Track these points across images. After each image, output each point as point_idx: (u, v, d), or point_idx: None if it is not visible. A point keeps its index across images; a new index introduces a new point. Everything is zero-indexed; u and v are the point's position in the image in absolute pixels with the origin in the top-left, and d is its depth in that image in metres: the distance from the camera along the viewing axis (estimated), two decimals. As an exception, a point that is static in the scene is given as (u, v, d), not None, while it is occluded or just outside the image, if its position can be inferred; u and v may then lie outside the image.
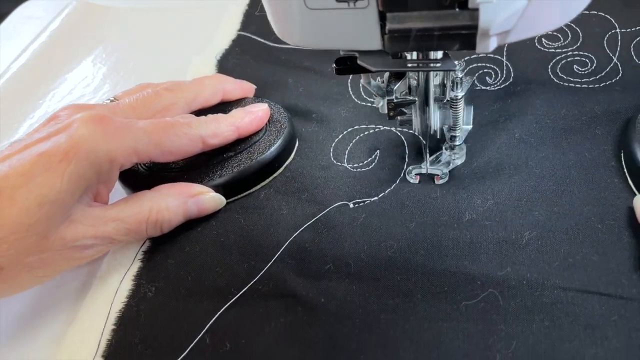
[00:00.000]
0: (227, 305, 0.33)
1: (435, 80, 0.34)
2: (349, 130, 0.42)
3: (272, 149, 0.40)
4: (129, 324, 0.34)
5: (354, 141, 0.42)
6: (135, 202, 0.36)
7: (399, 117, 0.37)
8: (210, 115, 0.39)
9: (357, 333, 0.31)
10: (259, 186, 0.40)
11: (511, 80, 0.44)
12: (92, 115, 0.33)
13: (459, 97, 0.34)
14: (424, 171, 0.38)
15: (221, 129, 0.38)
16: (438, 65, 0.29)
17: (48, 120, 0.36)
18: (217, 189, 0.38)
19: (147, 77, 0.43)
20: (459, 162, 0.38)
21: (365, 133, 0.42)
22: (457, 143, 0.38)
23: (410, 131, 0.38)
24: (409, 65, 0.30)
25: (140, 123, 0.35)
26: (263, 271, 0.34)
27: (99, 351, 0.33)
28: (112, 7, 0.65)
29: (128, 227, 0.35)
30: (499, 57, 0.45)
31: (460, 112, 0.35)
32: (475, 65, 0.46)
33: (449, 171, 0.38)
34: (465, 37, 0.25)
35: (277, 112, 0.43)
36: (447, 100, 0.35)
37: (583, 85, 0.42)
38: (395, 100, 0.35)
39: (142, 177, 0.39)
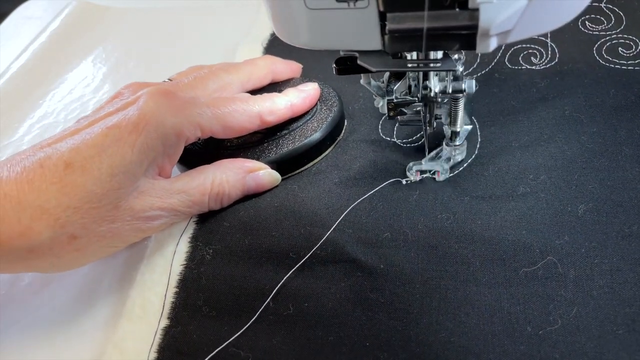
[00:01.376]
0: (293, 270, 0.34)
1: (435, 80, 0.34)
2: (398, 106, 0.43)
3: (324, 127, 0.41)
4: (191, 287, 0.35)
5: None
6: (198, 175, 0.37)
7: (398, 117, 0.37)
8: (265, 94, 0.40)
9: (418, 298, 0.32)
10: (311, 163, 0.41)
11: (557, 60, 0.44)
12: (158, 90, 0.34)
13: (460, 95, 0.34)
14: (424, 168, 0.38)
15: (277, 107, 0.39)
16: (438, 65, 0.30)
17: (112, 97, 0.38)
18: (272, 165, 0.39)
19: (148, 77, 0.43)
20: (459, 157, 0.38)
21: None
22: (457, 143, 0.38)
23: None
24: (409, 65, 0.30)
25: (203, 99, 0.37)
26: (325, 237, 0.35)
27: (164, 313, 0.34)
28: (112, 7, 0.65)
29: (192, 199, 0.36)
30: (543, 39, 0.46)
31: (460, 111, 0.35)
32: (519, 45, 0.46)
33: (450, 167, 0.39)
34: (465, 37, 0.25)
35: (326, 91, 0.44)
36: (448, 93, 0.35)
37: (629, 68, 0.42)
38: (395, 100, 0.35)
39: (198, 155, 0.40)
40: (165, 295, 0.34)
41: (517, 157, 0.38)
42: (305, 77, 0.46)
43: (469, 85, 0.34)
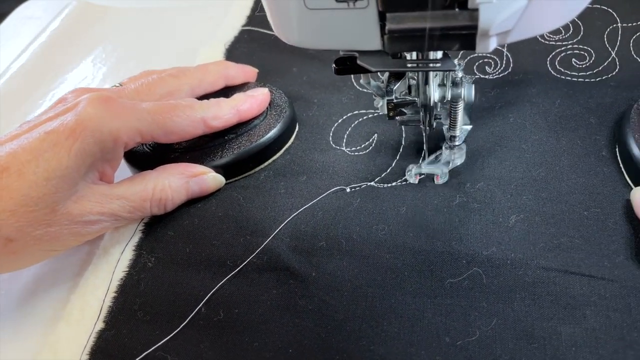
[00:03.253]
0: (227, 277, 0.35)
1: (435, 80, 0.35)
2: (348, 115, 0.44)
3: (272, 132, 0.41)
4: (130, 292, 0.35)
5: (352, 125, 0.43)
6: (140, 181, 0.37)
7: (398, 117, 0.38)
8: (212, 99, 0.41)
9: (344, 305, 0.33)
10: (258, 168, 0.41)
11: (510, 70, 0.45)
12: (98, 96, 0.35)
13: (459, 97, 0.35)
14: (423, 171, 0.38)
15: (223, 112, 0.39)
16: (438, 65, 0.29)
17: (55, 103, 0.38)
18: (218, 169, 0.40)
19: None
20: (458, 162, 0.38)
21: (364, 118, 0.43)
22: (456, 143, 0.38)
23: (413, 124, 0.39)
24: (409, 65, 0.30)
25: (144, 105, 0.37)
26: (262, 246, 0.35)
27: (101, 316, 0.35)
28: (112, 7, 0.65)
29: (132, 204, 0.36)
30: (500, 48, 0.46)
31: (459, 113, 0.36)
32: (475, 54, 0.47)
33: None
34: (465, 38, 0.25)
35: (278, 97, 0.44)
36: (447, 100, 0.36)
37: (579, 79, 0.43)
38: (395, 101, 0.35)
39: (146, 157, 0.41)
40: (104, 299, 0.35)
41: (457, 166, 0.38)
42: (264, 81, 0.47)
43: (468, 93, 0.35)
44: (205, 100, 0.40)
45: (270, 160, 0.42)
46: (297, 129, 0.44)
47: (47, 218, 0.33)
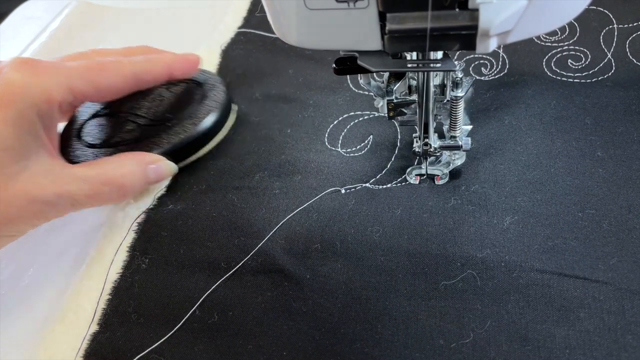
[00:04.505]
0: (222, 280, 0.35)
1: (435, 80, 0.35)
2: (344, 116, 0.44)
3: (213, 113, 0.42)
4: (124, 294, 0.35)
5: (348, 127, 0.43)
6: (99, 164, 0.36)
7: (398, 118, 0.37)
8: (141, 56, 0.40)
9: (339, 308, 0.33)
10: (205, 149, 0.42)
11: (505, 71, 0.45)
12: (19, 60, 0.33)
13: (459, 97, 0.34)
14: (424, 172, 0.38)
15: (153, 67, 0.39)
16: (438, 65, 0.29)
17: None
18: (167, 157, 0.40)
19: None
20: (459, 162, 0.38)
21: (360, 119, 0.43)
22: (459, 143, 0.38)
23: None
24: (409, 65, 0.30)
25: (71, 63, 0.35)
26: (257, 248, 0.35)
27: (95, 319, 0.35)
28: (112, 7, 0.65)
29: (91, 187, 0.35)
30: (496, 49, 0.46)
31: (460, 113, 0.35)
32: (472, 55, 0.46)
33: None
34: (465, 38, 0.25)
35: (210, 77, 0.45)
36: (447, 101, 0.36)
37: (575, 80, 0.42)
38: (395, 101, 0.35)
39: (86, 153, 0.40)
40: (98, 302, 0.35)
41: (455, 167, 0.38)
42: (262, 85, 0.47)
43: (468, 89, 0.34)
44: (135, 57, 0.39)
45: (216, 141, 0.43)
46: (235, 107, 0.45)
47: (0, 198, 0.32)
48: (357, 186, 0.39)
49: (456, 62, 0.32)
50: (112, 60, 0.37)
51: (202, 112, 0.41)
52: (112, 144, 0.40)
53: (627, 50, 0.44)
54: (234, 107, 0.45)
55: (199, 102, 0.42)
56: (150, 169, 0.38)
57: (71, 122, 0.42)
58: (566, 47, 0.45)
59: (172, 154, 0.40)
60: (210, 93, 0.43)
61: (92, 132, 0.41)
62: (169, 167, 0.40)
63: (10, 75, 0.32)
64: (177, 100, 0.43)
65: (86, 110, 0.43)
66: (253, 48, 0.53)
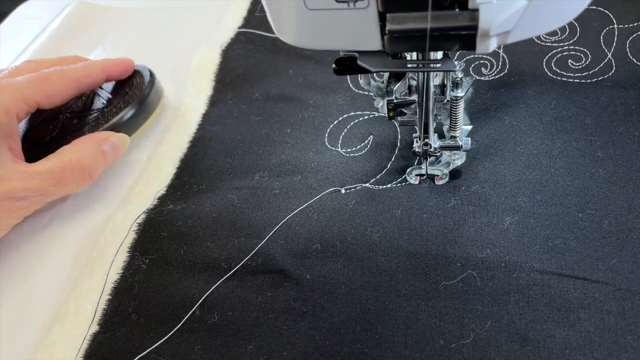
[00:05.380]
0: (222, 280, 0.35)
1: (435, 80, 0.35)
2: (344, 116, 0.44)
3: (141, 95, 0.46)
4: (124, 294, 0.35)
5: (348, 127, 0.43)
6: (55, 155, 0.40)
7: (398, 118, 0.37)
8: (80, 63, 0.44)
9: (339, 308, 0.32)
10: (141, 128, 0.47)
11: (506, 71, 0.44)
12: None
13: (459, 97, 0.34)
14: (424, 172, 0.38)
15: (92, 71, 0.43)
16: (438, 65, 0.29)
17: None
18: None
19: None
20: (459, 162, 0.38)
21: (360, 119, 0.43)
22: (459, 143, 0.38)
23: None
24: (409, 65, 0.30)
25: (20, 77, 0.40)
26: (257, 248, 0.35)
27: (95, 319, 0.35)
28: (112, 7, 0.65)
29: (54, 177, 0.39)
30: (496, 49, 0.46)
31: (460, 113, 0.35)
32: (472, 55, 0.46)
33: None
34: (465, 38, 0.25)
35: (141, 69, 0.48)
36: (447, 101, 0.36)
37: (575, 80, 0.42)
38: (395, 101, 0.35)
39: (37, 151, 0.42)
40: (98, 302, 0.35)
41: (455, 168, 0.38)
42: (261, 85, 0.47)
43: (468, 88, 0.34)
44: (74, 65, 0.43)
45: (150, 118, 0.47)
46: (164, 95, 0.49)
47: None
48: (357, 186, 0.39)
49: (456, 62, 0.32)
50: (55, 70, 0.41)
51: (130, 99, 0.46)
52: (55, 139, 0.44)
53: (628, 50, 0.44)
54: (161, 90, 0.49)
55: (126, 90, 0.47)
56: (105, 145, 0.42)
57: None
58: (566, 47, 0.45)
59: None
60: (135, 83, 0.47)
61: (36, 132, 0.45)
62: (122, 139, 0.44)
63: None
64: (108, 92, 0.47)
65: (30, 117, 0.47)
66: (253, 48, 0.53)
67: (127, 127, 0.45)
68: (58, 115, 0.46)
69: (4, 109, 0.37)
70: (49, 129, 0.45)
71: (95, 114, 0.45)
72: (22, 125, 0.45)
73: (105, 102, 0.46)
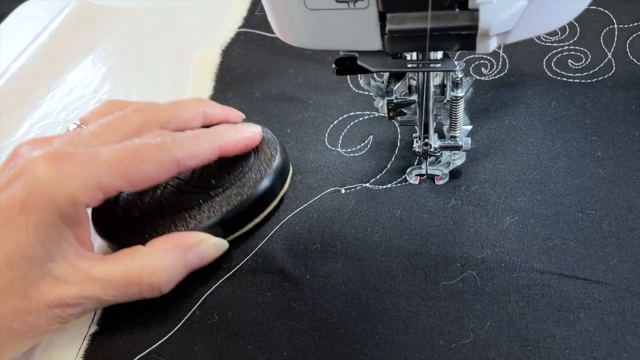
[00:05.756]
0: (222, 280, 0.35)
1: (435, 80, 0.35)
2: (344, 116, 0.44)
3: (264, 182, 0.36)
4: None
5: (348, 127, 0.43)
6: (126, 260, 0.32)
7: (398, 118, 0.37)
8: (188, 132, 0.35)
9: (339, 308, 0.32)
10: (254, 222, 0.37)
11: (506, 71, 0.45)
12: (46, 155, 0.30)
13: (459, 97, 0.34)
14: (424, 172, 0.38)
15: (201, 149, 0.33)
16: (438, 65, 0.29)
17: (7, 160, 0.33)
18: (209, 231, 0.35)
19: (148, 77, 0.43)
20: (459, 162, 0.38)
21: (360, 119, 0.43)
22: (459, 143, 0.38)
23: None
24: (409, 65, 0.29)
25: (104, 153, 0.31)
26: (257, 248, 0.35)
27: (95, 319, 0.35)
28: (112, 7, 0.65)
29: (117, 288, 0.31)
30: (496, 49, 0.46)
31: (460, 113, 0.35)
32: (472, 55, 0.46)
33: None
34: (465, 38, 0.25)
35: (267, 136, 0.39)
36: (447, 101, 0.36)
37: (575, 80, 0.42)
38: (395, 101, 0.35)
39: (121, 225, 0.36)
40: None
41: (455, 168, 0.38)
42: (261, 87, 0.46)
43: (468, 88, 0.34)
44: (180, 134, 0.34)
45: (265, 212, 0.37)
46: (291, 171, 0.39)
47: (21, 306, 0.29)
48: (357, 186, 0.39)
49: (456, 62, 0.32)
50: (152, 145, 0.32)
51: (252, 181, 0.36)
52: (150, 213, 0.35)
53: (628, 50, 0.44)
54: (290, 169, 0.39)
55: (248, 164, 0.36)
56: (191, 255, 0.33)
57: None
58: (566, 47, 0.45)
59: (218, 227, 0.35)
60: (262, 155, 0.37)
61: (129, 197, 0.37)
62: (216, 247, 0.35)
63: (36, 174, 0.29)
64: (224, 163, 0.37)
65: None
66: (253, 48, 0.53)
67: (236, 222, 0.36)
68: None
69: (70, 200, 0.29)
70: (144, 196, 0.36)
71: (204, 194, 0.35)
72: None
73: (215, 181, 0.36)
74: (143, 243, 0.33)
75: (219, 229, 0.35)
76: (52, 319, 0.30)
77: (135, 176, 0.31)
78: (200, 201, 0.35)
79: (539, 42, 0.46)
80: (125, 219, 0.36)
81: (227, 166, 0.37)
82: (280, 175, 0.37)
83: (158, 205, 0.36)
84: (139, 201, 0.36)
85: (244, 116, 0.41)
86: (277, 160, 0.37)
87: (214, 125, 0.38)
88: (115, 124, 0.34)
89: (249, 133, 0.37)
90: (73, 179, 0.29)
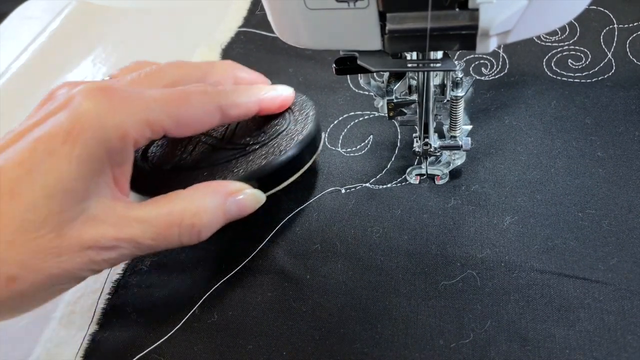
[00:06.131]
0: (222, 281, 0.35)
1: (435, 80, 0.34)
2: (344, 116, 0.44)
3: (300, 141, 0.35)
4: (123, 294, 0.35)
5: (348, 127, 0.43)
6: (166, 202, 0.31)
7: (398, 118, 0.37)
8: (229, 86, 0.35)
9: (339, 308, 0.33)
10: (288, 181, 0.36)
11: (506, 71, 0.44)
12: (94, 87, 0.29)
13: (459, 97, 0.34)
14: (424, 172, 0.38)
15: (242, 100, 0.34)
16: (438, 65, 0.29)
17: (44, 100, 0.32)
18: (251, 184, 0.34)
19: None
20: (459, 162, 0.38)
21: (360, 119, 0.43)
22: (460, 143, 0.38)
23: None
24: (409, 65, 0.29)
25: (151, 91, 0.30)
26: (257, 249, 0.35)
27: (95, 318, 0.35)
28: (112, 7, 0.65)
29: (157, 230, 0.30)
30: (496, 49, 0.46)
31: (460, 112, 0.35)
32: (472, 55, 0.46)
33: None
34: (465, 38, 0.25)
35: (300, 99, 0.39)
36: (447, 100, 0.36)
37: (575, 80, 0.42)
38: (395, 101, 0.35)
39: (152, 177, 0.35)
40: (98, 301, 0.35)
41: (453, 169, 0.38)
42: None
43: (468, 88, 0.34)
44: (222, 86, 0.34)
45: (300, 172, 0.36)
46: (324, 135, 0.40)
47: (54, 245, 0.27)
48: (357, 186, 0.39)
49: (456, 62, 0.32)
50: (198, 90, 0.32)
51: (287, 139, 0.35)
52: (182, 167, 0.35)
53: (628, 50, 0.44)
54: (322, 133, 0.39)
55: (284, 124, 0.37)
56: (230, 202, 0.32)
57: None
58: (566, 47, 0.45)
59: (254, 181, 0.34)
60: (298, 116, 0.37)
61: (159, 152, 0.36)
62: (255, 198, 0.33)
63: (80, 105, 0.27)
64: (258, 122, 0.37)
65: None
66: (253, 47, 0.53)
67: (271, 179, 0.35)
68: (191, 137, 0.37)
69: (120, 132, 0.28)
70: (176, 151, 0.36)
71: (239, 150, 0.35)
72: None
73: (250, 138, 0.36)
74: None
75: (254, 183, 0.34)
76: (86, 263, 0.28)
77: (182, 117, 0.31)
78: (237, 155, 0.35)
79: (539, 42, 0.46)
80: (157, 172, 0.35)
81: (262, 124, 0.37)
82: (314, 138, 0.36)
83: (191, 160, 0.35)
84: (170, 156, 0.35)
85: (269, 82, 0.41)
86: (310, 123, 0.36)
87: None
88: (152, 76, 0.34)
89: (285, 92, 0.37)
90: (123, 111, 0.28)
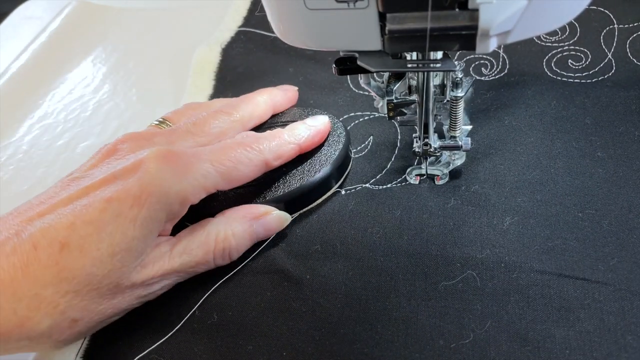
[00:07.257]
0: (222, 281, 0.35)
1: (435, 80, 0.35)
2: (344, 117, 0.44)
3: (332, 162, 0.38)
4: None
5: (348, 127, 0.43)
6: (201, 231, 0.34)
7: (398, 118, 0.38)
8: (269, 133, 0.37)
9: (339, 308, 0.32)
10: (318, 201, 0.38)
11: (506, 71, 0.45)
12: (160, 153, 0.32)
13: (459, 97, 0.34)
14: (424, 172, 0.38)
15: (283, 149, 0.36)
16: (438, 65, 0.29)
17: (106, 153, 0.35)
18: (278, 205, 0.37)
19: (147, 77, 0.42)
20: (458, 162, 0.38)
21: (360, 120, 0.43)
22: (459, 143, 0.38)
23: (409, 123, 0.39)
24: (409, 65, 0.30)
25: (206, 154, 0.33)
26: (258, 250, 0.35)
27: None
28: (112, 7, 0.65)
29: (195, 259, 0.33)
30: (496, 49, 0.46)
31: (460, 113, 0.35)
32: (472, 55, 0.46)
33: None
34: (465, 38, 0.25)
35: (333, 125, 0.41)
36: (447, 101, 0.36)
37: (575, 80, 0.42)
38: (395, 101, 0.35)
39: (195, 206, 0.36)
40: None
41: (452, 169, 0.38)
42: (264, 83, 0.47)
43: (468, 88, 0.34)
44: (265, 136, 0.36)
45: (330, 192, 0.39)
46: (352, 155, 0.41)
47: (111, 292, 0.31)
48: (357, 186, 0.39)
49: (456, 62, 0.32)
50: (245, 144, 0.35)
51: (318, 161, 0.38)
52: (219, 193, 0.37)
53: (628, 50, 0.44)
54: (351, 154, 0.41)
55: (319, 149, 0.39)
56: (257, 225, 0.35)
57: None
58: (566, 47, 0.45)
59: (285, 204, 0.37)
60: (329, 137, 0.39)
61: None
62: (280, 219, 0.36)
63: (149, 173, 0.31)
64: None
65: None
66: (253, 47, 0.53)
67: (299, 201, 0.37)
68: None
69: (180, 199, 0.31)
70: None
71: (267, 174, 0.37)
72: None
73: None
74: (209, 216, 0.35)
75: (280, 205, 0.36)
76: (135, 299, 0.32)
77: (233, 176, 0.34)
78: (273, 177, 0.37)
79: (539, 42, 0.46)
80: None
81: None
82: (345, 159, 0.39)
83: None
84: None
85: (296, 89, 0.45)
86: (340, 149, 0.38)
87: (280, 111, 0.43)
88: (204, 124, 0.37)
89: (322, 126, 0.39)
90: (185, 179, 0.31)
